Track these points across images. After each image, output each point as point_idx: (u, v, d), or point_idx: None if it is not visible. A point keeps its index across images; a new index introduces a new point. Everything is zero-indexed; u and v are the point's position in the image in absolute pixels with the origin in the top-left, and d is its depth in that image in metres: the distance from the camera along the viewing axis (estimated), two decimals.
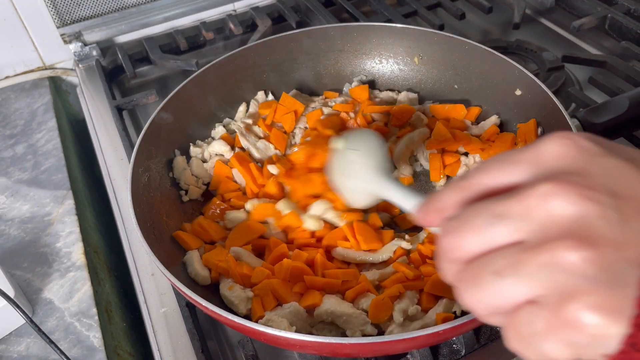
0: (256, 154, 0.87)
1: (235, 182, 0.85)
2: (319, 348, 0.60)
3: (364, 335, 0.65)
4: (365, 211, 0.78)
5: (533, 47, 1.10)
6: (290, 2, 1.27)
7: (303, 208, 0.78)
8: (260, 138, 0.89)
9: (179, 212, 0.80)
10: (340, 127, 0.90)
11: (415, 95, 0.96)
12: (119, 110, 1.01)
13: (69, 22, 1.17)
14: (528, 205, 0.33)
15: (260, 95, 0.96)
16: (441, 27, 1.15)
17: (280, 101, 0.93)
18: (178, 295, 0.74)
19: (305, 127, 0.93)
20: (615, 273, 0.31)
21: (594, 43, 1.18)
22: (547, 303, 0.32)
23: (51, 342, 0.68)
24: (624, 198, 0.32)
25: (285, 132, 0.92)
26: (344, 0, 1.24)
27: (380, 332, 0.67)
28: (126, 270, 0.83)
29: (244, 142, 0.87)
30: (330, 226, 0.77)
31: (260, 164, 0.86)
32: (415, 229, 0.78)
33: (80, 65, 1.19)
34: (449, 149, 0.87)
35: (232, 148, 0.88)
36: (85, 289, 0.79)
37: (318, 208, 0.76)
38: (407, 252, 0.74)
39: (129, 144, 0.93)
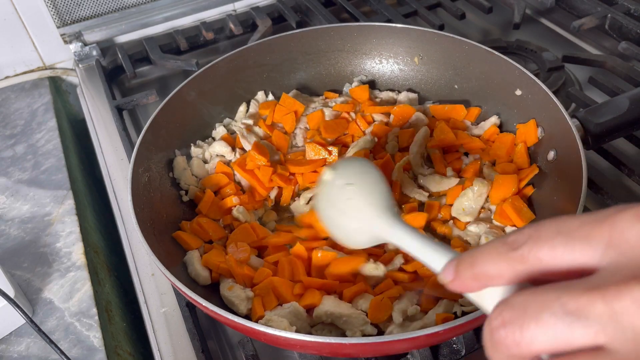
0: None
1: (239, 184, 0.85)
2: (319, 348, 0.60)
3: (364, 335, 0.65)
4: None
5: (533, 47, 1.10)
6: (290, 2, 1.27)
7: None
8: (261, 139, 0.89)
9: (179, 212, 0.80)
10: (345, 130, 0.91)
11: (415, 96, 0.96)
12: (119, 110, 1.01)
13: (69, 22, 1.17)
14: (616, 308, 0.28)
15: (260, 95, 0.96)
16: (441, 27, 1.15)
17: (280, 101, 0.93)
18: (178, 295, 0.74)
19: (306, 128, 0.93)
20: None
21: (594, 43, 1.18)
22: None
23: (51, 342, 0.68)
24: None
25: (285, 133, 0.92)
26: (344, 0, 1.24)
27: (380, 333, 0.67)
28: (126, 270, 0.83)
29: (245, 144, 0.87)
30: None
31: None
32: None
33: (80, 65, 1.19)
34: (450, 148, 0.87)
35: (233, 149, 0.88)
36: (85, 289, 0.79)
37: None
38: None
39: (129, 144, 0.93)
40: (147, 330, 0.74)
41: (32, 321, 0.68)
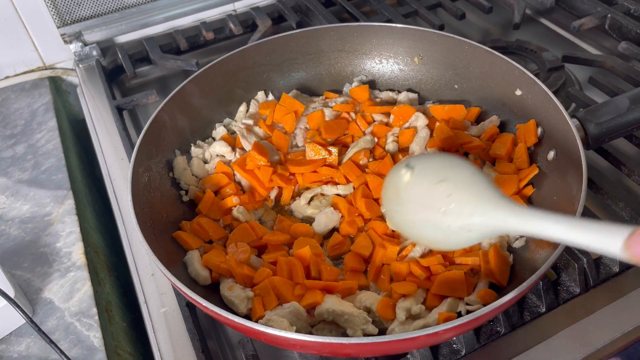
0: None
1: (239, 184, 0.85)
2: (319, 348, 0.60)
3: (365, 334, 0.65)
4: None
5: (533, 47, 1.10)
6: (290, 2, 1.27)
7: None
8: (261, 139, 0.89)
9: (179, 212, 0.80)
10: (345, 130, 0.90)
11: (415, 96, 0.96)
12: (119, 110, 1.01)
13: (69, 22, 1.17)
14: None
15: (260, 95, 0.96)
16: (441, 27, 1.15)
17: (280, 102, 0.93)
18: (178, 295, 0.74)
19: (306, 128, 0.93)
20: None
21: (594, 43, 1.18)
22: None
23: (51, 342, 0.68)
24: None
25: (286, 133, 0.92)
26: (344, 0, 1.24)
27: (382, 332, 0.67)
28: (126, 270, 0.83)
29: (245, 144, 0.87)
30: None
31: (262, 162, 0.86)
32: None
33: (80, 65, 1.19)
34: (450, 148, 0.87)
35: (233, 149, 0.88)
36: (85, 289, 0.79)
37: None
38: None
39: (129, 144, 0.93)
40: (147, 330, 0.74)
41: (32, 321, 0.68)
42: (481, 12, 1.21)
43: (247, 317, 0.68)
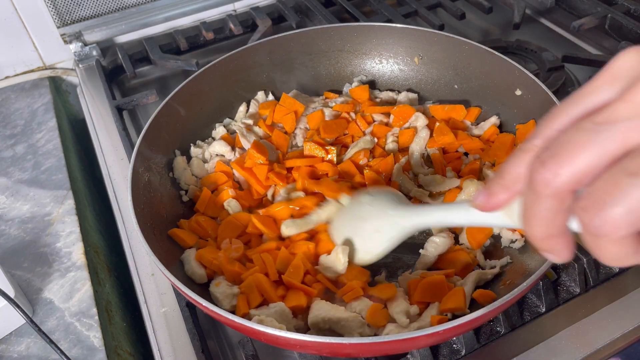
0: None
1: (238, 182, 0.85)
2: (319, 348, 0.60)
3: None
4: None
5: (533, 47, 1.10)
6: (290, 2, 1.27)
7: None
8: (261, 139, 0.89)
9: (179, 212, 0.80)
10: (344, 130, 0.90)
11: (415, 96, 0.96)
12: (119, 110, 1.01)
13: (69, 22, 1.17)
14: (638, 100, 0.29)
15: (260, 95, 0.96)
16: (441, 27, 1.15)
17: (280, 101, 0.93)
18: (178, 295, 0.74)
19: (306, 128, 0.93)
20: None
21: (594, 43, 1.18)
22: None
23: (51, 342, 0.68)
24: None
25: (286, 133, 0.92)
26: (344, 0, 1.24)
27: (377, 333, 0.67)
28: (126, 270, 0.83)
29: (244, 143, 0.87)
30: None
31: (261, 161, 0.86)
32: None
33: (80, 65, 1.19)
34: (450, 148, 0.87)
35: (233, 148, 0.88)
36: (85, 289, 0.79)
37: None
38: None
39: (129, 144, 0.93)
40: (147, 330, 0.74)
41: (32, 321, 0.68)
42: (481, 12, 1.21)
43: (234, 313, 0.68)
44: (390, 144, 0.88)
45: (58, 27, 1.16)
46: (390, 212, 0.64)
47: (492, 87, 0.89)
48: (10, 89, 1.17)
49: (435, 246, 0.74)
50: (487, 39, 1.18)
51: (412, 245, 0.77)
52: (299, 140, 0.92)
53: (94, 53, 1.20)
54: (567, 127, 0.33)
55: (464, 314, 0.56)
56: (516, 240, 0.75)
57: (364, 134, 0.90)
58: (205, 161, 0.88)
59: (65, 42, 1.18)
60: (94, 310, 0.76)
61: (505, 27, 1.24)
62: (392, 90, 0.99)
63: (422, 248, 0.75)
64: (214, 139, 0.91)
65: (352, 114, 0.93)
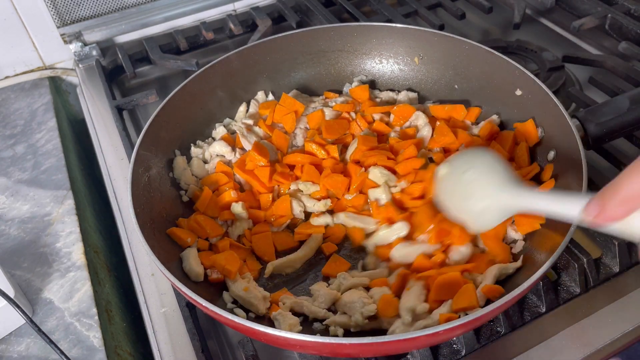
0: None
1: (239, 183, 0.85)
2: (319, 348, 0.60)
3: (365, 317, 0.66)
4: None
5: (533, 47, 1.10)
6: (290, 2, 1.27)
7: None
8: (261, 139, 0.89)
9: (179, 212, 0.80)
10: (346, 130, 0.91)
11: (415, 95, 0.96)
12: (119, 110, 1.01)
13: (69, 22, 1.17)
14: None
15: (260, 95, 0.96)
16: (441, 27, 1.15)
17: (280, 102, 0.93)
18: (178, 295, 0.74)
19: (306, 128, 0.93)
20: None
21: (594, 43, 1.18)
22: None
23: (51, 342, 0.68)
24: None
25: (286, 133, 0.92)
26: (344, 0, 1.24)
27: (382, 332, 0.67)
28: (126, 270, 0.83)
29: (245, 144, 0.87)
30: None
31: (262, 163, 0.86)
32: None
33: (80, 65, 1.19)
34: (451, 147, 0.87)
35: (233, 149, 0.88)
36: (85, 289, 0.79)
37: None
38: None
39: (129, 144, 0.93)
40: (147, 330, 0.74)
41: (32, 321, 0.68)
42: (481, 12, 1.21)
43: (266, 316, 0.69)
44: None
45: (58, 27, 1.16)
46: (499, 190, 0.61)
47: (492, 87, 0.89)
48: (10, 89, 1.17)
49: (460, 255, 0.73)
50: (487, 39, 1.18)
51: None
52: (299, 140, 0.92)
53: (94, 53, 1.20)
54: None
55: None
56: (517, 240, 0.75)
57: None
58: (205, 161, 0.88)
59: (65, 42, 1.18)
60: (94, 310, 0.76)
61: (505, 27, 1.24)
62: (392, 90, 0.99)
63: None
64: (214, 139, 0.91)
65: (353, 114, 0.93)
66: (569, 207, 0.51)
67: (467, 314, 0.57)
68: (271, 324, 0.68)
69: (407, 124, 0.91)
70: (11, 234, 0.86)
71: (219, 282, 0.73)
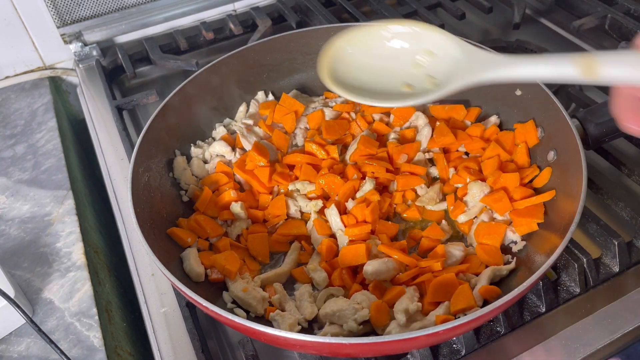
0: None
1: (239, 183, 0.85)
2: (319, 348, 0.60)
3: (358, 324, 0.65)
4: None
5: (533, 47, 1.10)
6: (290, 2, 1.27)
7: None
8: (261, 139, 0.89)
9: (179, 212, 0.80)
10: (346, 130, 0.91)
11: None
12: (119, 110, 1.01)
13: (69, 22, 1.17)
14: None
15: (261, 95, 0.96)
16: (441, 27, 1.14)
17: (280, 102, 0.93)
18: (178, 295, 0.74)
19: (306, 128, 0.93)
20: None
21: (594, 43, 1.18)
22: None
23: (51, 342, 0.68)
24: None
25: (286, 133, 0.92)
26: (344, 0, 1.24)
27: (377, 333, 0.67)
28: (126, 270, 0.83)
29: (245, 144, 0.87)
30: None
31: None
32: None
33: (80, 65, 1.19)
34: (451, 147, 0.87)
35: (233, 149, 0.88)
36: (85, 289, 0.79)
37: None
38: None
39: (129, 144, 0.94)
40: (147, 330, 0.74)
41: (32, 321, 0.68)
42: (481, 12, 1.21)
43: (264, 317, 0.69)
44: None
45: (58, 27, 1.16)
46: (464, 61, 0.53)
47: (492, 87, 0.89)
48: (10, 89, 1.17)
49: (454, 258, 0.74)
50: (487, 39, 1.18)
51: None
52: (299, 140, 0.92)
53: (94, 53, 1.20)
54: None
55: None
56: (517, 242, 0.75)
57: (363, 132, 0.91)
58: (205, 161, 0.88)
59: (65, 42, 1.17)
60: (94, 310, 0.76)
61: (505, 27, 1.24)
62: None
63: None
64: (214, 139, 0.91)
65: (353, 114, 0.93)
66: (560, 66, 0.46)
67: (466, 314, 0.57)
68: (270, 324, 0.68)
69: (407, 124, 0.91)
70: (11, 234, 0.86)
71: (219, 282, 0.73)
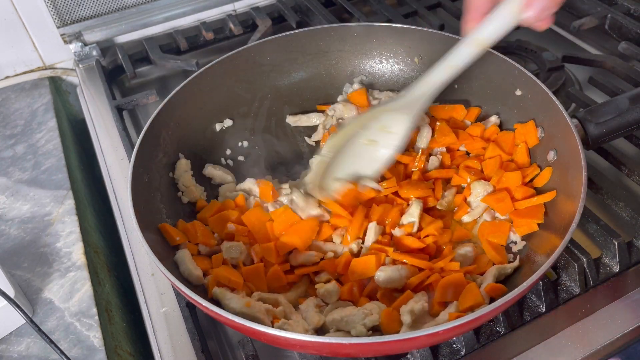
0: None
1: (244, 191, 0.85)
2: (319, 348, 0.60)
3: (368, 329, 0.65)
4: None
5: (533, 47, 1.10)
6: (290, 2, 1.27)
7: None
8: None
9: (179, 212, 0.80)
10: None
11: None
12: (119, 110, 1.01)
13: (69, 22, 1.17)
14: None
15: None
16: (441, 27, 1.15)
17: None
18: (178, 295, 0.74)
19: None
20: None
21: (594, 43, 1.18)
22: None
23: (51, 342, 0.68)
24: None
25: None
26: (344, 0, 1.24)
27: (380, 332, 0.67)
28: (126, 270, 0.83)
29: (300, 211, 0.79)
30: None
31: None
32: None
33: (80, 65, 1.19)
34: (452, 147, 0.87)
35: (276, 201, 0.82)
36: (85, 289, 0.79)
37: None
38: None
39: (129, 144, 0.94)
40: (147, 330, 0.74)
41: (32, 321, 0.68)
42: None
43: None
44: None
45: (58, 27, 1.16)
46: (381, 110, 0.71)
47: (492, 87, 0.89)
48: (10, 89, 1.17)
49: (465, 256, 0.74)
50: None
51: None
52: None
53: (94, 53, 1.20)
54: None
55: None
56: (517, 242, 0.75)
57: None
58: (248, 193, 0.84)
59: (65, 42, 1.18)
60: (94, 310, 0.76)
61: None
62: (392, 90, 0.99)
63: None
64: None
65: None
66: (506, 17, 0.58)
67: (466, 315, 0.57)
68: None
69: None
70: (11, 234, 0.86)
71: None
